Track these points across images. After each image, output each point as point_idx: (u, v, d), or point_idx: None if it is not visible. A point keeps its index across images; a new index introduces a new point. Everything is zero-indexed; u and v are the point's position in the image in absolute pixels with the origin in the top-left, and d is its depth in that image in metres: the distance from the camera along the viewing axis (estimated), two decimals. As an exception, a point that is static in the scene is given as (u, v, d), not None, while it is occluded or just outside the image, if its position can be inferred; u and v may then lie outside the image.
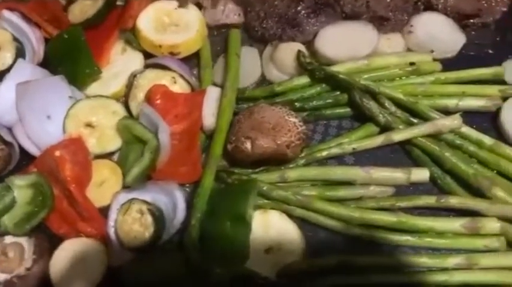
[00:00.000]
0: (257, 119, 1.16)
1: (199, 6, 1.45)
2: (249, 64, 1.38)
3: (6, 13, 1.36)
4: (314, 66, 1.28)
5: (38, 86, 1.25)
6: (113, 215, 1.15)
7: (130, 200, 1.13)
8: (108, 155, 1.26)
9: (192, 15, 1.38)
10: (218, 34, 1.46)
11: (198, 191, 1.13)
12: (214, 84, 1.34)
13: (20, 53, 1.35)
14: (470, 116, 1.25)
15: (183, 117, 1.26)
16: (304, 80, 1.30)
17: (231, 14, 1.45)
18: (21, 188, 1.14)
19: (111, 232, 1.13)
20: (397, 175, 1.13)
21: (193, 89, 1.32)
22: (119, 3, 1.44)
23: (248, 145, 1.13)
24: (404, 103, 1.23)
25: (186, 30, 1.35)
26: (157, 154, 1.14)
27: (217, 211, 1.08)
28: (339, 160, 1.22)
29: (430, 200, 1.12)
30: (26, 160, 1.28)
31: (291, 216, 1.13)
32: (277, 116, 1.16)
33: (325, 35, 1.37)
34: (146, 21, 1.35)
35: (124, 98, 1.33)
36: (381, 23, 1.38)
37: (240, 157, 1.16)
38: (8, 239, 1.11)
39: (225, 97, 1.25)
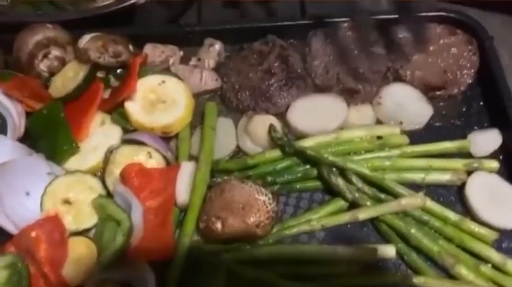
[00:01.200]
0: (227, 198, 1.19)
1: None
2: (224, 135, 1.42)
3: (-14, 89, 1.41)
4: (283, 142, 1.32)
5: (16, 166, 1.28)
6: (86, 295, 1.17)
7: (103, 280, 1.16)
8: (84, 232, 1.28)
9: (177, 89, 1.42)
10: (196, 103, 1.50)
11: (169, 270, 1.16)
12: (191, 156, 1.39)
13: (1, 129, 1.40)
14: (437, 189, 1.30)
15: (158, 192, 1.29)
16: (276, 153, 1.35)
17: (209, 80, 1.51)
18: (-3, 269, 1.17)
19: (85, 312, 1.16)
20: (363, 253, 1.16)
21: (168, 163, 1.36)
22: (99, 74, 1.50)
23: (219, 225, 1.17)
24: (371, 179, 1.26)
25: (175, 106, 1.39)
26: (131, 235, 1.17)
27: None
28: (309, 235, 1.26)
29: (396, 278, 1.15)
30: (3, 235, 1.31)
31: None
32: (247, 195, 1.20)
33: (296, 108, 1.42)
34: (134, 102, 1.39)
35: (102, 172, 1.38)
36: (351, 95, 1.44)
37: (211, 236, 1.19)
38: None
39: (198, 171, 1.29)
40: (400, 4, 1.34)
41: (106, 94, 1.48)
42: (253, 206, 1.17)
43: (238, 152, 1.42)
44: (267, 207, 1.19)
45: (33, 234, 1.19)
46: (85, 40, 1.47)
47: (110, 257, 1.13)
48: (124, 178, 1.27)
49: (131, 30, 1.59)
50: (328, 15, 1.56)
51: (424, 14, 1.49)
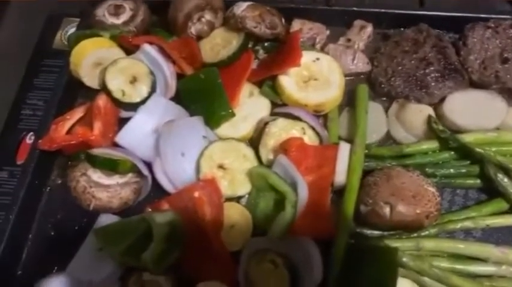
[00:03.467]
0: (396, 185, 1.17)
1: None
2: (374, 120, 1.39)
3: (147, 47, 1.41)
4: (447, 135, 1.29)
5: (180, 125, 1.28)
6: (243, 262, 1.17)
7: (265, 250, 1.16)
8: (237, 199, 1.29)
9: (331, 68, 1.40)
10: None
11: (332, 250, 1.14)
12: (339, 138, 1.37)
13: (154, 86, 1.40)
14: None
15: (311, 169, 1.28)
16: (434, 144, 1.31)
17: (360, 63, 1.48)
18: (159, 225, 1.17)
19: (242, 279, 1.16)
20: (536, 259, 1.13)
21: (321, 141, 1.34)
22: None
23: (387, 211, 1.15)
24: (539, 183, 1.23)
25: (328, 85, 1.38)
26: (297, 208, 1.16)
27: (355, 274, 1.09)
28: (466, 232, 1.23)
29: None
30: (153, 192, 1.33)
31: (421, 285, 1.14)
32: (417, 184, 1.17)
33: (454, 101, 1.38)
34: (288, 77, 1.37)
35: (249, 142, 1.37)
36: (510, 96, 1.39)
37: (376, 221, 1.17)
38: (146, 276, 1.14)
39: (354, 154, 1.27)
40: None
41: (253, 65, 1.47)
42: (424, 196, 1.15)
43: (388, 139, 1.40)
44: (436, 199, 1.16)
45: (196, 194, 1.19)
46: (241, 8, 1.45)
47: (283, 228, 1.13)
48: (285, 150, 1.26)
49: (279, 4, 1.56)
50: (485, 10, 1.50)
51: None
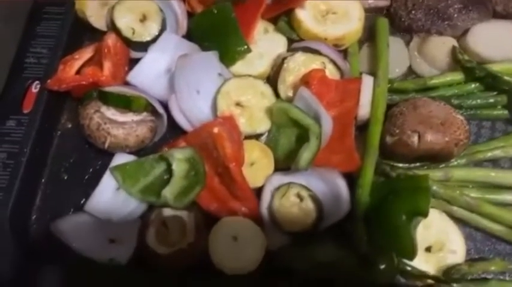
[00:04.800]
0: (424, 114, 1.13)
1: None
2: (396, 55, 1.33)
3: (155, -17, 1.34)
4: (474, 65, 1.24)
5: (194, 60, 1.22)
6: (266, 197, 1.14)
7: (289, 184, 1.12)
8: (256, 137, 1.24)
9: (349, 1, 1.34)
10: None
11: (359, 182, 1.11)
12: (360, 73, 1.32)
13: (164, 24, 1.34)
14: None
15: (334, 104, 1.23)
16: (459, 76, 1.27)
17: (380, -3, 1.42)
18: (179, 161, 1.13)
19: (266, 214, 1.12)
20: None
21: (342, 75, 1.29)
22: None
23: (415, 139, 1.11)
24: None
25: (347, 19, 1.32)
26: (321, 140, 1.12)
27: (387, 205, 1.05)
28: (494, 163, 1.19)
29: None
30: (169, 133, 1.28)
31: (450, 216, 1.10)
32: (445, 112, 1.13)
33: (478, 32, 1.33)
34: (305, 11, 1.31)
35: (267, 80, 1.32)
36: (537, 26, 1.34)
37: (403, 151, 1.13)
38: (167, 211, 1.10)
39: (378, 87, 1.22)
40: None
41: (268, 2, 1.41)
42: (453, 124, 1.11)
43: (410, 73, 1.35)
44: (465, 126, 1.12)
45: (215, 130, 1.14)
46: None
47: (309, 159, 1.08)
48: (306, 83, 1.21)
49: None
50: None
51: None
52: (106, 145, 1.15)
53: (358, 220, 1.06)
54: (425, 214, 0.98)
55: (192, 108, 1.22)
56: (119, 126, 1.15)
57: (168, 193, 1.09)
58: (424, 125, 1.10)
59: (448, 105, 1.15)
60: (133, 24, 1.31)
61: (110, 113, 1.17)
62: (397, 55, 1.35)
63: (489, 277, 1.07)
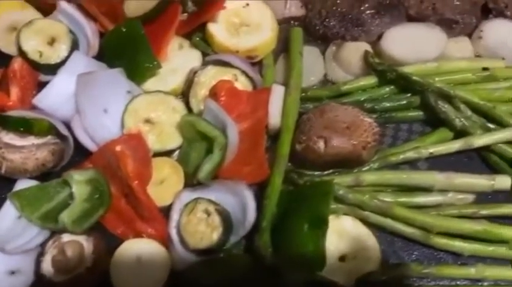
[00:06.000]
0: (330, 118, 1.10)
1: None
2: (311, 63, 1.33)
3: (63, 4, 1.32)
4: (385, 67, 1.22)
5: (97, 78, 1.19)
6: (175, 215, 1.09)
7: (196, 200, 1.07)
8: (167, 153, 1.20)
9: (261, 13, 1.33)
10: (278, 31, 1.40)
11: (267, 191, 1.06)
12: (276, 83, 1.29)
13: (75, 46, 1.31)
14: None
15: (245, 116, 1.21)
16: (372, 80, 1.25)
17: (294, 7, 1.41)
18: (79, 183, 1.08)
19: (174, 233, 1.07)
20: (481, 181, 1.07)
21: (255, 86, 1.26)
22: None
23: (321, 145, 1.07)
24: (481, 108, 1.17)
25: (260, 30, 1.31)
26: (226, 151, 1.08)
27: (291, 213, 1.01)
28: (412, 165, 1.16)
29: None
30: (78, 155, 1.22)
31: (364, 222, 1.06)
32: (352, 115, 1.11)
33: (392, 36, 1.32)
34: (217, 25, 1.30)
35: (182, 96, 1.29)
36: (450, 26, 1.33)
37: (311, 157, 1.09)
38: (66, 237, 1.04)
39: (289, 96, 1.20)
40: None
41: (182, 18, 1.39)
42: (359, 127, 1.08)
43: (326, 82, 1.33)
44: (373, 129, 1.09)
45: (118, 148, 1.10)
46: (163, -42, 1.37)
47: (210, 171, 1.04)
48: (214, 94, 1.18)
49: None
50: None
51: None
52: (2, 170, 1.10)
53: (263, 231, 1.01)
54: (325, 221, 0.94)
55: (98, 128, 1.18)
56: (16, 150, 1.10)
57: (66, 217, 1.03)
58: (329, 130, 1.08)
59: (356, 108, 1.13)
60: (40, 47, 1.28)
61: (8, 137, 1.12)
62: (313, 64, 1.34)
63: (408, 282, 1.02)
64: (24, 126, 1.13)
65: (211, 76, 1.24)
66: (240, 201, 1.06)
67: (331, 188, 0.99)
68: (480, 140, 1.11)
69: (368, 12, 1.35)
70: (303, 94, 1.24)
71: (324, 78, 1.33)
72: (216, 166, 1.05)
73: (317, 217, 0.95)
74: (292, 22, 1.42)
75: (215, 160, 1.05)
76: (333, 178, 1.06)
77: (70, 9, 1.32)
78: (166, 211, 1.11)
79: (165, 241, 1.07)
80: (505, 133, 1.11)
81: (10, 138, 1.12)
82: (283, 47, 1.37)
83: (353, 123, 1.08)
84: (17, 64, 1.27)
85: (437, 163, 1.16)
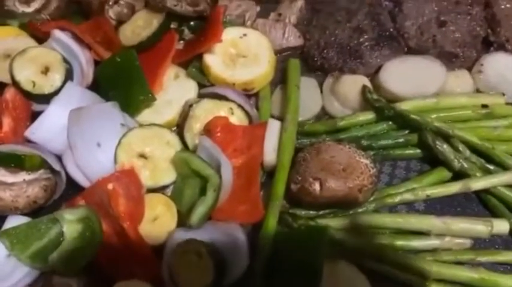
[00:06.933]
0: (326, 159, 1.08)
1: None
2: (309, 96, 1.31)
3: (57, 33, 1.30)
4: (382, 104, 1.20)
5: (90, 113, 1.18)
6: (167, 256, 1.07)
7: (188, 241, 1.05)
8: (161, 189, 1.18)
9: (258, 43, 1.31)
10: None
11: (261, 233, 1.05)
12: (272, 116, 1.28)
13: (68, 75, 1.29)
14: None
15: (241, 151, 1.19)
16: (370, 115, 1.23)
17: (292, 37, 1.39)
18: (70, 223, 1.06)
19: (166, 274, 1.05)
20: (479, 227, 1.04)
21: (251, 120, 1.24)
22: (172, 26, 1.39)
23: (317, 187, 1.06)
24: (480, 148, 1.15)
25: (257, 61, 1.29)
26: (219, 192, 1.06)
27: (284, 258, 0.99)
28: (408, 205, 1.15)
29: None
30: (71, 189, 1.21)
31: (360, 268, 1.04)
32: (348, 156, 1.09)
33: (390, 69, 1.30)
34: (213, 56, 1.28)
35: (177, 128, 1.27)
36: (450, 60, 1.31)
37: (306, 199, 1.08)
38: (56, 279, 1.03)
39: (285, 132, 1.18)
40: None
41: (179, 46, 1.37)
42: (355, 169, 1.06)
43: (324, 115, 1.31)
44: (369, 171, 1.07)
45: (109, 186, 1.08)
46: (160, -14, 1.35)
47: (203, 215, 1.02)
48: (209, 131, 1.16)
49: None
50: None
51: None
52: (-8, 209, 1.08)
53: (257, 274, 0.99)
54: (319, 271, 0.92)
55: (90, 163, 1.16)
56: (6, 188, 1.09)
57: (56, 257, 1.02)
58: (325, 172, 1.06)
59: (352, 148, 1.11)
60: (34, 76, 1.26)
61: (-1, 174, 1.11)
62: (311, 96, 1.32)
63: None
64: (15, 163, 1.12)
65: (206, 110, 1.22)
66: (234, 244, 1.04)
67: (323, 234, 0.97)
68: (478, 183, 1.09)
69: (367, 44, 1.33)
70: (299, 129, 1.22)
71: (322, 110, 1.31)
72: (209, 208, 1.04)
73: (308, 265, 0.93)
74: (290, 52, 1.40)
75: (208, 202, 1.03)
76: (327, 224, 1.04)
77: (64, 37, 1.30)
78: (160, 249, 1.10)
79: (158, 282, 1.05)
80: (504, 177, 1.09)
81: (1, 175, 1.10)
82: (281, 77, 1.35)
83: (349, 165, 1.06)
84: (9, 94, 1.25)
85: (435, 203, 1.14)
